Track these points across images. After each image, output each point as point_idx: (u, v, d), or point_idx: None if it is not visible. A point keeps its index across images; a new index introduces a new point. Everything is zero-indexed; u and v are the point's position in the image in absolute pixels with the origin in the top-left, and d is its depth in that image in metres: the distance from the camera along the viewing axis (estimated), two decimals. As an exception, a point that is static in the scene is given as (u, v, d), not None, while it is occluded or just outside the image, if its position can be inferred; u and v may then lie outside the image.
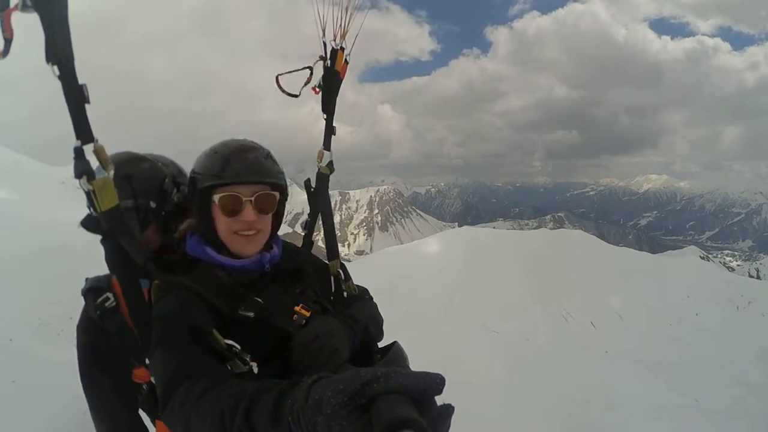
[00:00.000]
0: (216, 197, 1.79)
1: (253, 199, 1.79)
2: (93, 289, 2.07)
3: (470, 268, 14.90)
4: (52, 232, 9.78)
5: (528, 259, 16.06)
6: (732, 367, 11.87)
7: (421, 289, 13.67)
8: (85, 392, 2.12)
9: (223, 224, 1.82)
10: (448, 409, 0.93)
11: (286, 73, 2.30)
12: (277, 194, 1.88)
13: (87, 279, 2.17)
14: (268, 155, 1.90)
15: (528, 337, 12.03)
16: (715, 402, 8.95)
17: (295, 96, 2.34)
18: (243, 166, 1.78)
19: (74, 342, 2.15)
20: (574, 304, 14.08)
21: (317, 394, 0.93)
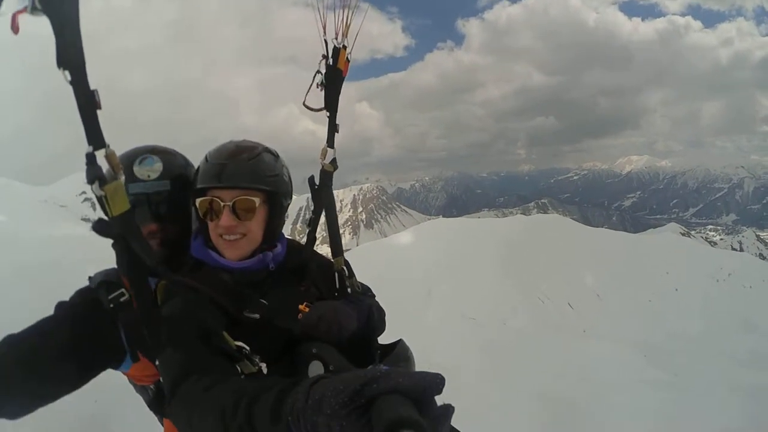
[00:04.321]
0: (198, 201, 1.85)
1: (231, 203, 1.81)
2: (106, 283, 1.99)
3: (446, 258, 14.91)
4: (36, 249, 9.89)
5: (503, 246, 16.09)
6: (713, 340, 11.98)
7: (399, 280, 13.63)
8: (39, 322, 1.91)
9: (209, 228, 1.86)
10: (447, 410, 0.91)
11: (306, 94, 2.27)
12: (256, 199, 1.85)
13: (91, 278, 2.07)
14: (258, 157, 1.90)
15: (505, 322, 12.05)
16: (694, 375, 9.00)
17: (321, 110, 2.32)
18: (222, 171, 1.82)
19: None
20: (551, 287, 14.15)
21: (317, 395, 0.93)
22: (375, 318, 2.07)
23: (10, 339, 1.76)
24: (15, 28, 1.44)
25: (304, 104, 2.26)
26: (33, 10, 1.39)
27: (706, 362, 9.97)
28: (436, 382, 0.88)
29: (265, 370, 1.60)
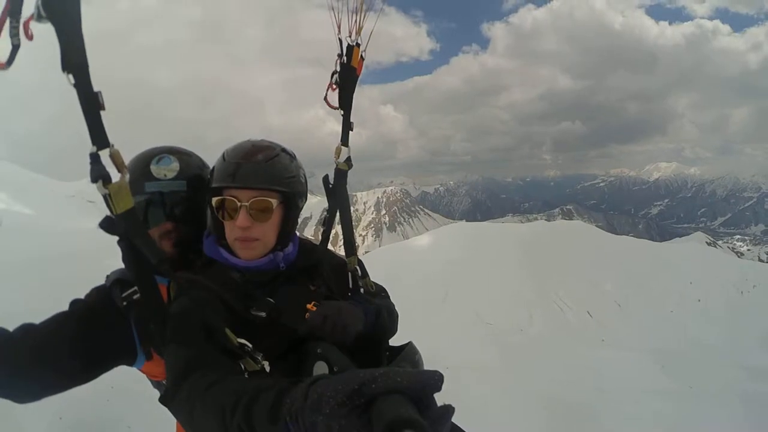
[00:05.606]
0: (214, 200, 1.85)
1: (248, 204, 1.80)
2: (120, 281, 2.03)
3: (465, 262, 14.90)
4: (58, 241, 10.00)
5: (523, 251, 16.02)
6: (733, 352, 11.77)
7: (417, 282, 13.70)
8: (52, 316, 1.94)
9: (225, 228, 1.87)
10: (448, 410, 0.92)
11: (327, 90, 2.32)
12: (273, 201, 1.85)
13: (108, 276, 2.12)
14: (275, 158, 1.90)
15: (522, 328, 12.01)
16: (710, 387, 8.85)
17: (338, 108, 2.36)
18: (237, 171, 1.82)
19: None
20: (570, 294, 14.04)
21: (316, 394, 0.93)
22: (384, 319, 2.06)
23: (27, 327, 1.81)
24: (28, 36, 1.49)
25: (325, 99, 2.31)
26: (38, 17, 1.47)
27: (724, 375, 9.80)
28: (435, 380, 0.89)
29: (268, 369, 1.61)
